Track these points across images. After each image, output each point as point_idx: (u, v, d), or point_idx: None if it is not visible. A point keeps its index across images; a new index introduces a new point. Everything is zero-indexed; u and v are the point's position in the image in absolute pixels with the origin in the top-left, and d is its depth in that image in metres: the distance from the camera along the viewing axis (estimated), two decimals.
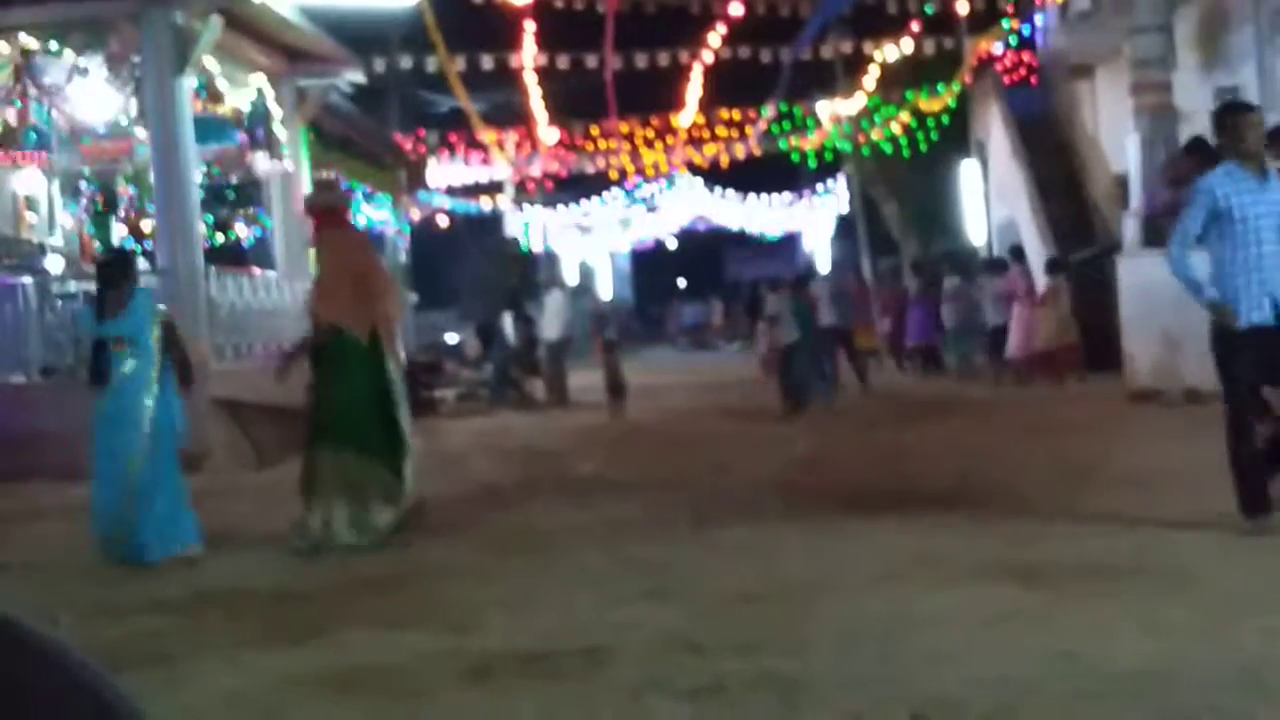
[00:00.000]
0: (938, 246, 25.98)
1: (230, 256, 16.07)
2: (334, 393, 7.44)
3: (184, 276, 12.08)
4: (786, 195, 37.92)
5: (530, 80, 24.25)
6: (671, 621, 5.13)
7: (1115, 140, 17.62)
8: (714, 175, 34.03)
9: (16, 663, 0.91)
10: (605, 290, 42.70)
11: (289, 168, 15.13)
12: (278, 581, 6.52)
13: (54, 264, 13.49)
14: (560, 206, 35.94)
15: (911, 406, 15.12)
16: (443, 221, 29.71)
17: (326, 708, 4.38)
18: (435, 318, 27.70)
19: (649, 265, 47.80)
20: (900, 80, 25.32)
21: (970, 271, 20.93)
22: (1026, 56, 23.69)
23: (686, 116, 26.87)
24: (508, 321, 19.40)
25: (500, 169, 29.26)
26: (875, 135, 26.61)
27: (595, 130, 27.44)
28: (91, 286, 12.20)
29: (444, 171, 27.60)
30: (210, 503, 7.79)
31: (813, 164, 30.33)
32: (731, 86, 25.86)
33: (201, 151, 13.36)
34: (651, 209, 38.10)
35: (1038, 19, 22.58)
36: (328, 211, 7.91)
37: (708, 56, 23.73)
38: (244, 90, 14.05)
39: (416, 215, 25.39)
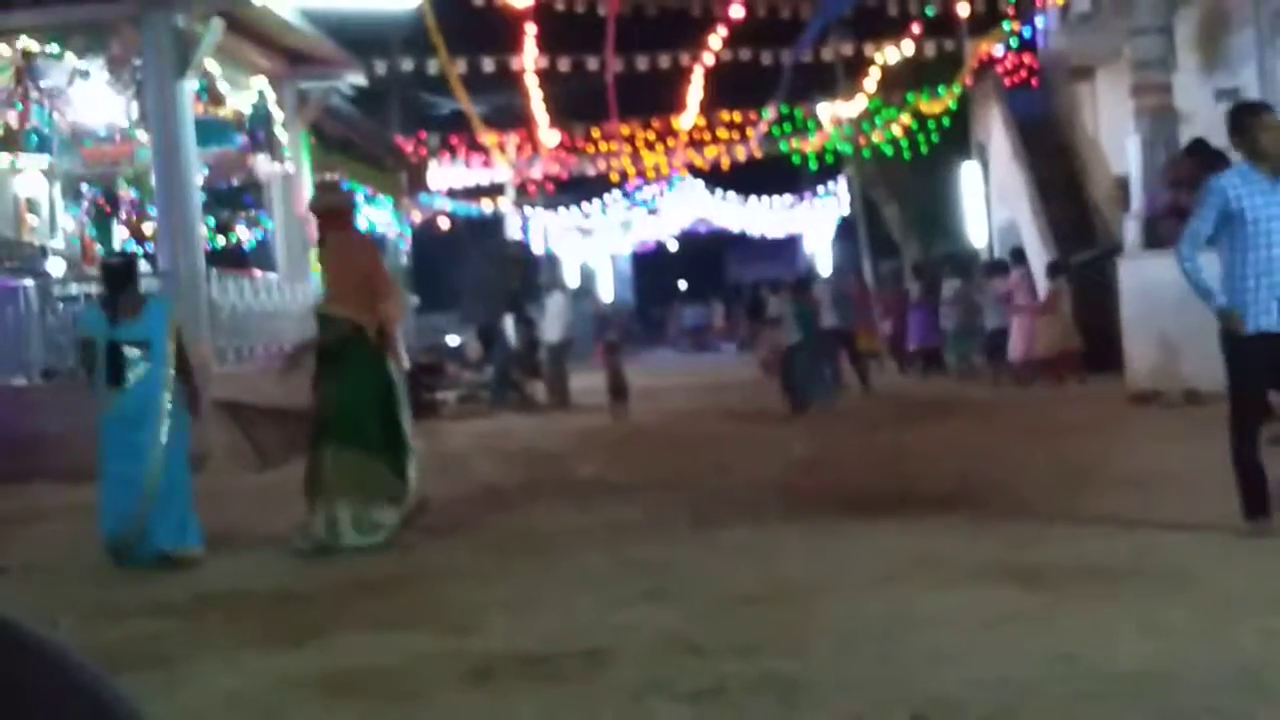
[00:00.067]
0: (939, 248, 25.97)
1: (231, 259, 16.08)
2: (339, 392, 7.46)
3: (185, 279, 12.10)
4: (787, 197, 37.93)
5: (531, 83, 24.26)
6: (672, 623, 5.13)
7: (1116, 142, 17.62)
8: (715, 177, 34.04)
9: (16, 664, 0.92)
10: (606, 292, 42.70)
11: (290, 170, 15.15)
12: (278, 583, 6.53)
13: (55, 267, 13.50)
14: (561, 209, 35.94)
15: (912, 408, 15.11)
16: (444, 224, 29.73)
17: (326, 709, 4.38)
18: (436, 320, 27.67)
19: (650, 267, 47.78)
20: (901, 82, 25.32)
21: (971, 273, 20.93)
22: (1027, 58, 23.69)
23: (687, 119, 26.88)
24: (509, 324, 19.40)
25: (501, 171, 29.26)
26: (876, 137, 26.61)
27: (596, 132, 27.44)
28: (93, 289, 12.29)
29: (445, 174, 27.61)
30: (211, 504, 7.78)
31: (813, 166, 30.34)
32: (732, 89, 25.88)
33: (202, 154, 13.37)
34: (652, 211, 38.11)
35: (1038, 21, 22.58)
36: (332, 213, 7.93)
37: (708, 59, 23.74)
38: (245, 93, 14.07)
39: (417, 217, 25.42)
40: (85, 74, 12.70)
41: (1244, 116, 6.35)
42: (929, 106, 24.90)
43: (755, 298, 26.30)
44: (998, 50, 23.44)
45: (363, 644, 5.13)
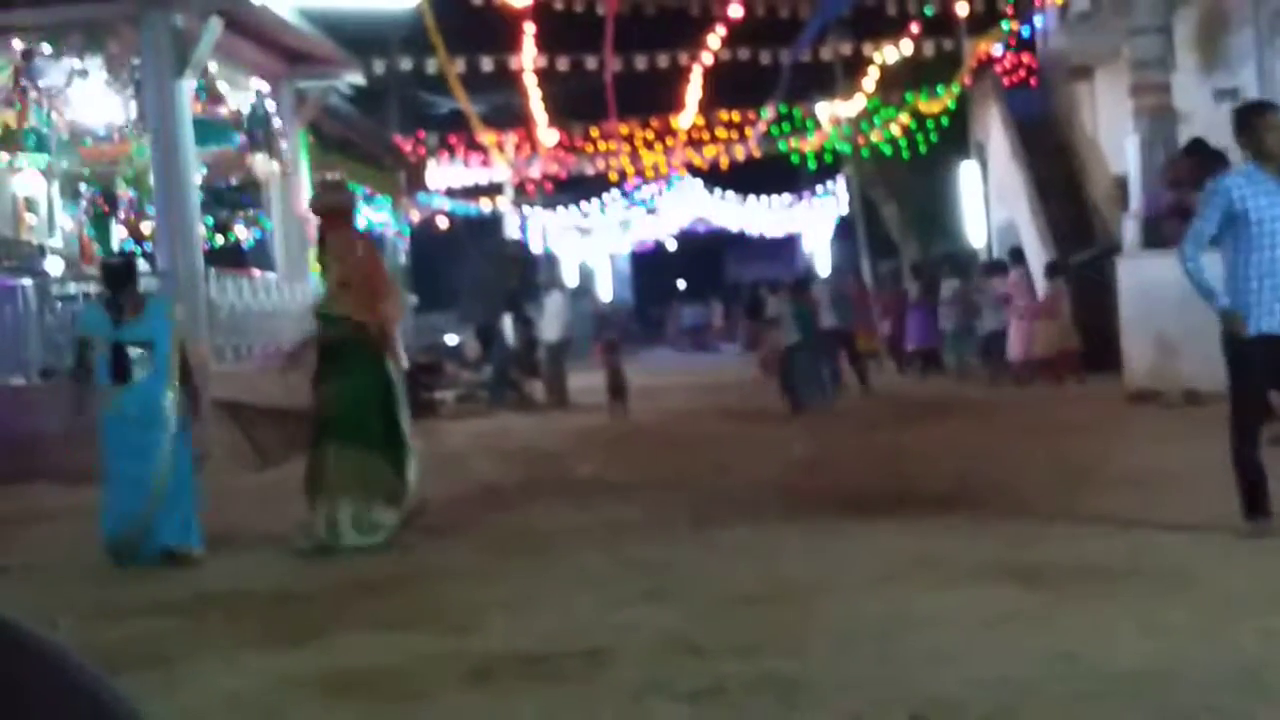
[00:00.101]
0: (937, 248, 25.98)
1: (230, 258, 16.07)
2: (341, 391, 7.47)
3: (184, 278, 12.09)
4: (786, 197, 37.93)
5: (530, 82, 24.26)
6: (671, 623, 5.13)
7: (1115, 142, 17.62)
8: (714, 177, 34.05)
9: (14, 665, 0.91)
10: (605, 292, 42.71)
11: (289, 170, 15.14)
12: (278, 583, 6.53)
13: (53, 266, 13.48)
14: (560, 208, 35.94)
15: (911, 408, 15.12)
16: (442, 223, 29.71)
17: (326, 709, 4.38)
18: (435, 319, 27.66)
19: (649, 267, 47.79)
20: (900, 82, 25.32)
21: (969, 273, 20.94)
22: (1026, 58, 23.69)
23: (686, 118, 26.88)
24: (507, 323, 19.40)
25: (500, 171, 29.27)
26: (875, 137, 26.61)
27: (595, 132, 27.44)
28: (91, 289, 12.28)
29: (444, 173, 27.60)
30: (211, 504, 7.78)
31: (812, 165, 30.32)
32: (731, 88, 25.87)
33: (201, 153, 13.37)
34: (651, 211, 38.11)
35: (1037, 20, 22.58)
36: (334, 213, 7.95)
37: (707, 58, 23.73)
38: (243, 92, 14.06)
39: (416, 217, 25.40)
40: (84, 73, 12.69)
41: (1250, 116, 6.31)
42: (928, 106, 24.90)
43: (754, 297, 26.29)
44: (996, 50, 23.44)
45: (363, 644, 5.13)
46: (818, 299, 17.30)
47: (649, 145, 28.11)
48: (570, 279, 36.30)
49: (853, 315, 18.69)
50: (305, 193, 15.74)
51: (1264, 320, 6.01)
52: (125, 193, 15.57)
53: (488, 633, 5.18)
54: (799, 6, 22.78)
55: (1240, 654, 4.19)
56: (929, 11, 22.39)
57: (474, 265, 32.68)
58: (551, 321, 18.99)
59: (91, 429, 7.45)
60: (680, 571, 6.22)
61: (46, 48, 12.43)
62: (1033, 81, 23.46)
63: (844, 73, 26.27)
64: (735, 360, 30.23)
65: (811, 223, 39.51)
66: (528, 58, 22.92)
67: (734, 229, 40.27)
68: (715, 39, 23.04)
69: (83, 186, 15.57)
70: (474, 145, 27.17)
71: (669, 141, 28.21)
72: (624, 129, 27.34)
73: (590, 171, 30.33)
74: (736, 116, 27.76)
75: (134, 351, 7.30)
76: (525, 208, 32.62)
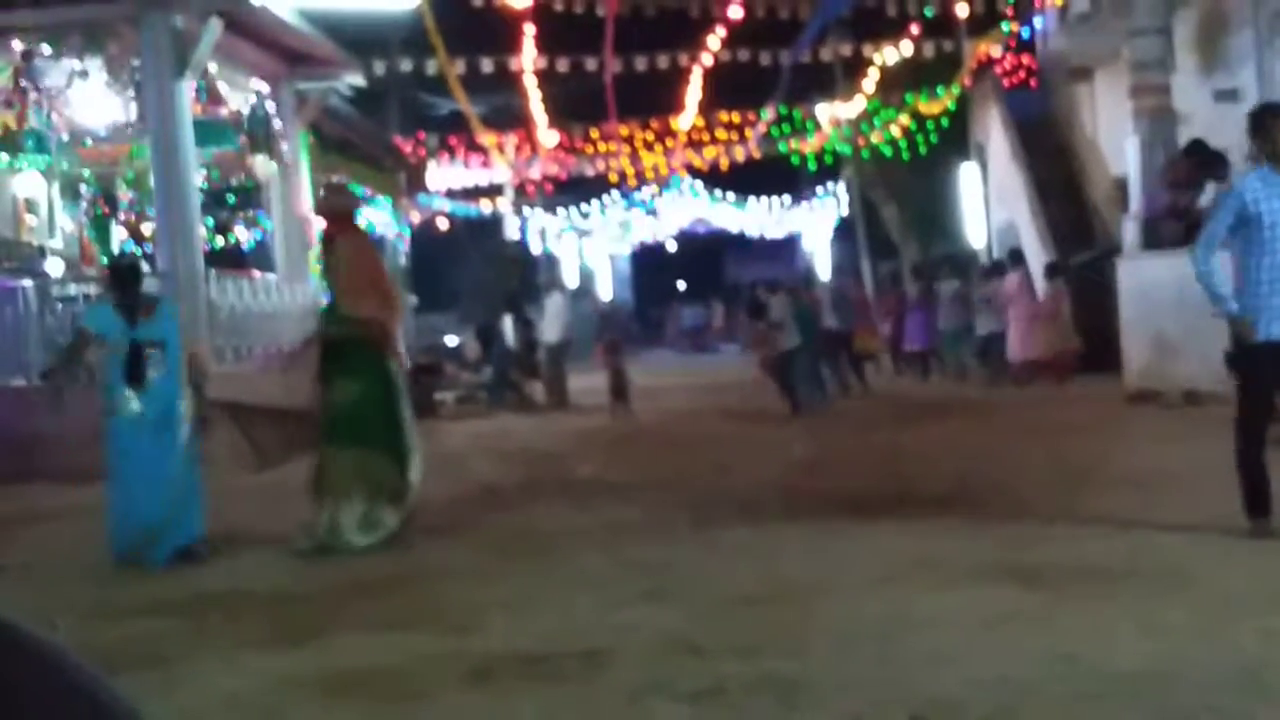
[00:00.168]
0: (937, 249, 25.99)
1: (230, 259, 16.07)
2: (347, 392, 7.49)
3: (184, 279, 12.09)
4: (786, 198, 37.93)
5: (530, 83, 24.26)
6: (671, 623, 5.13)
7: (1115, 143, 17.63)
8: (714, 178, 34.05)
9: (13, 665, 0.91)
10: (605, 293, 42.69)
11: (289, 171, 15.14)
12: (277, 583, 6.53)
13: (54, 267, 13.49)
14: (560, 209, 35.94)
15: (910, 409, 15.12)
16: (442, 224, 29.71)
17: (326, 709, 4.38)
18: (435, 320, 27.67)
19: (649, 268, 47.77)
20: (900, 83, 25.33)
21: (969, 274, 20.93)
22: (1026, 59, 23.69)
23: (686, 119, 26.88)
24: (507, 324, 19.40)
25: (500, 172, 29.27)
26: (875, 138, 26.63)
27: (595, 133, 27.45)
28: (92, 290, 12.28)
29: (444, 174, 27.60)
30: (211, 504, 7.78)
31: (812, 167, 30.35)
32: (731, 89, 25.88)
33: (201, 154, 13.37)
34: (651, 212, 38.10)
35: (1037, 21, 22.59)
36: (339, 215, 8.00)
37: (707, 59, 23.74)
38: (243, 93, 14.06)
39: (416, 218, 25.40)
40: (84, 74, 12.69)
41: (1265, 118, 6.29)
42: (928, 107, 24.91)
43: (754, 298, 26.28)
44: (996, 51, 23.45)
45: (363, 644, 5.13)
46: (820, 299, 17.29)
47: (649, 146, 28.11)
48: (570, 280, 36.28)
49: (853, 317, 18.70)
50: (306, 194, 15.76)
51: (1274, 326, 6.00)
52: (126, 194, 15.58)
53: (488, 633, 5.18)
54: (799, 7, 22.79)
55: (1240, 654, 4.19)
56: (929, 13, 22.40)
57: (474, 266, 32.69)
58: (551, 322, 18.98)
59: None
60: (680, 572, 6.22)
61: (46, 49, 12.43)
62: (1033, 83, 23.46)
63: (844, 74, 26.30)
64: (735, 361, 30.23)
65: (812, 224, 39.49)
66: (528, 59, 22.93)
67: (734, 230, 40.24)
68: (715, 40, 23.05)
69: (83, 187, 15.57)
70: (474, 146, 27.18)
71: (669, 142, 28.22)
72: (624, 130, 27.35)
73: (590, 172, 30.33)
74: (736, 118, 27.77)
75: (149, 353, 7.32)
76: (525, 209, 32.62)
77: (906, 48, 23.64)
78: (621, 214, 37.95)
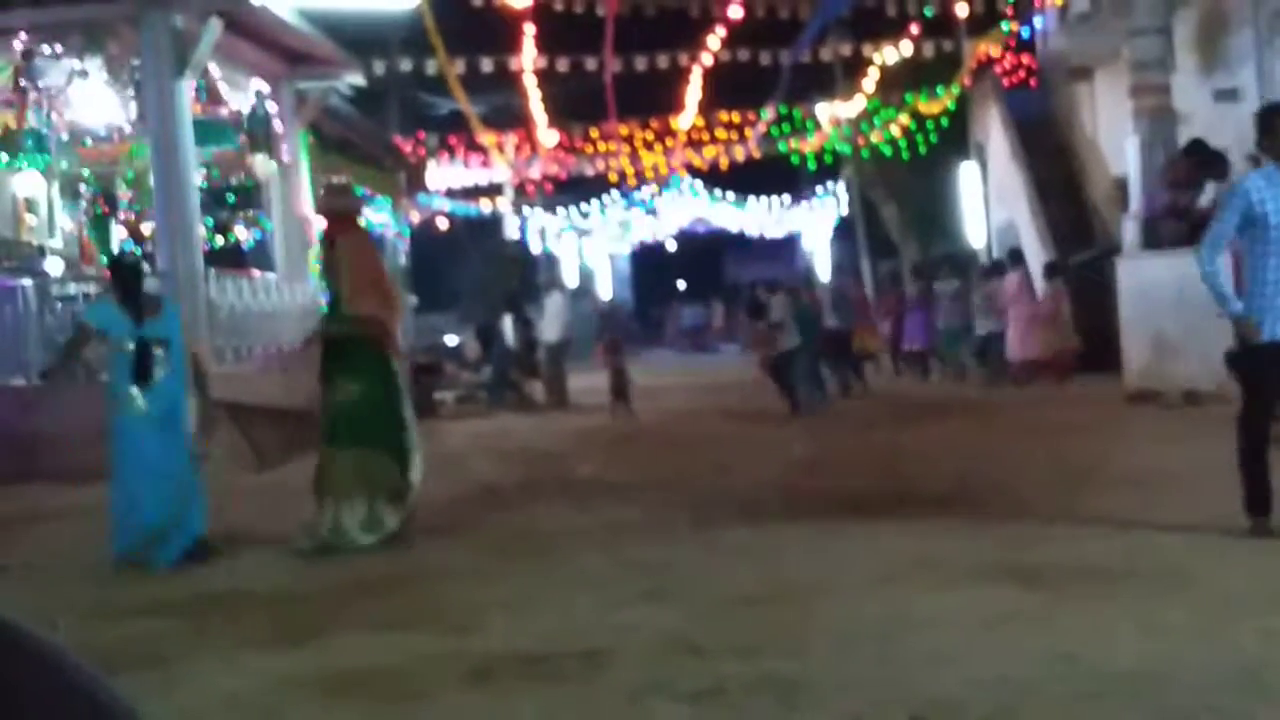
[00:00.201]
0: (937, 249, 26.00)
1: (230, 259, 16.06)
2: (347, 391, 7.50)
3: (184, 279, 12.08)
4: (786, 197, 37.94)
5: (530, 83, 24.27)
6: (671, 623, 5.13)
7: (1114, 142, 17.63)
8: (713, 178, 34.07)
9: (12, 665, 0.91)
10: (605, 292, 42.68)
11: (289, 170, 15.13)
12: (277, 583, 6.53)
13: (54, 266, 13.48)
14: (560, 209, 35.95)
15: (910, 409, 15.12)
16: (442, 224, 29.72)
17: (326, 709, 4.38)
18: (435, 320, 27.67)
19: (649, 267, 47.76)
20: (899, 82, 25.34)
21: (968, 274, 20.93)
22: (1026, 59, 23.70)
23: (686, 119, 26.89)
24: (507, 324, 19.40)
25: (500, 171, 29.27)
26: (874, 137, 26.64)
27: (595, 133, 27.45)
28: (91, 289, 12.28)
29: (444, 174, 27.60)
30: (211, 504, 7.78)
31: (812, 166, 30.36)
32: (731, 89, 25.88)
33: (200, 154, 13.36)
34: (650, 211, 38.10)
35: (1037, 21, 22.59)
36: (343, 215, 8.01)
37: (707, 59, 23.75)
38: (243, 93, 14.06)
39: (416, 218, 25.40)
40: (84, 74, 12.68)
41: (1273, 117, 6.28)
42: (927, 107, 24.92)
43: (754, 298, 26.28)
44: (996, 50, 23.45)
45: (363, 644, 5.13)
46: (820, 299, 17.29)
47: (649, 146, 28.12)
48: (570, 280, 36.28)
49: (854, 317, 18.71)
50: (305, 193, 15.76)
51: (1278, 326, 6.00)
52: (125, 193, 15.57)
53: (488, 633, 5.18)
54: (799, 7, 22.79)
55: (1240, 654, 4.19)
56: (929, 12, 22.40)
57: (474, 266, 32.69)
58: (551, 322, 18.98)
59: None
60: (680, 572, 6.22)
61: (46, 48, 12.42)
62: (1032, 82, 23.47)
63: (844, 73, 26.31)
64: (735, 361, 30.22)
65: (811, 224, 39.50)
66: (528, 58, 22.94)
67: (734, 230, 40.25)
68: (715, 40, 23.05)
69: (83, 187, 15.56)
70: (474, 146, 27.19)
71: (669, 142, 28.23)
72: (624, 130, 27.35)
73: (590, 172, 30.34)
74: (736, 117, 27.78)
75: (156, 351, 7.32)
76: (525, 209, 32.62)
77: (906, 47, 23.65)
78: (621, 214, 37.95)
